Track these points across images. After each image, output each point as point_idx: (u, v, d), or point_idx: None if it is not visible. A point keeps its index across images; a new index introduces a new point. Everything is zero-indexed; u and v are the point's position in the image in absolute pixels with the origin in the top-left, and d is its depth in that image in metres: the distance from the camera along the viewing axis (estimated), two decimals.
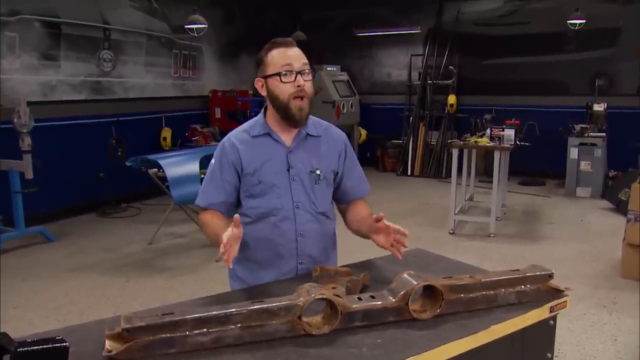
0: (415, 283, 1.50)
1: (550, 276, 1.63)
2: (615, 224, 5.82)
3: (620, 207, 6.33)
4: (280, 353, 1.33)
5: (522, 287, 1.61)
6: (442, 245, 5.12)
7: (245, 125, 2.04)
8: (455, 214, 5.84)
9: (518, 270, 1.64)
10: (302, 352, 1.33)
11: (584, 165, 7.37)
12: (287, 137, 1.96)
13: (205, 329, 1.34)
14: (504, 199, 6.73)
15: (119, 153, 6.80)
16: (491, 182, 5.81)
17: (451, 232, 5.76)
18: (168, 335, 1.31)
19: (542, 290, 1.63)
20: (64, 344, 1.18)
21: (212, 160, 2.01)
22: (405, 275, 1.56)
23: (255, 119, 2.02)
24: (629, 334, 3.46)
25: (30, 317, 3.78)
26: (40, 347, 1.16)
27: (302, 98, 1.87)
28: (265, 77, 1.90)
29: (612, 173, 7.57)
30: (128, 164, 5.46)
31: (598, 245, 5.25)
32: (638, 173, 6.32)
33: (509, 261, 4.77)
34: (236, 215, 1.67)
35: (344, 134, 2.10)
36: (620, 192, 6.44)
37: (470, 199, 6.88)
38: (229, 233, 1.62)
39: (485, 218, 5.86)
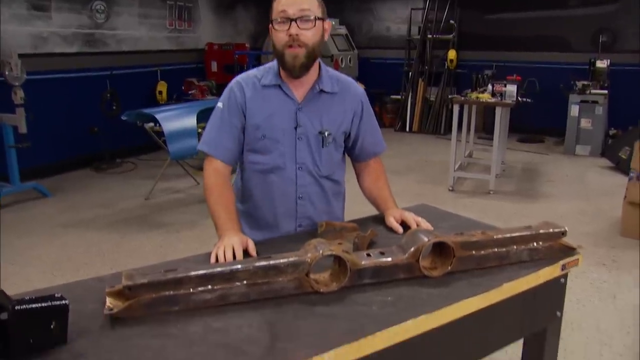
0: (427, 239, 1.45)
1: (563, 233, 1.59)
2: (615, 183, 5.79)
3: (620, 166, 6.29)
4: (287, 311, 1.29)
5: (535, 244, 1.56)
6: (442, 202, 5.08)
7: (257, 69, 1.90)
8: (454, 171, 5.79)
9: (530, 227, 1.59)
10: (310, 310, 1.29)
11: (585, 123, 7.28)
12: (299, 92, 1.84)
13: (209, 286, 1.29)
14: (503, 156, 6.68)
15: (114, 107, 6.67)
16: (490, 139, 5.74)
17: (450, 188, 5.72)
18: (171, 292, 1.26)
19: (555, 248, 1.59)
20: (64, 301, 1.13)
21: (219, 104, 1.87)
22: (416, 231, 1.51)
23: (269, 64, 1.88)
24: (628, 292, 3.46)
25: (27, 273, 3.75)
26: (39, 305, 1.11)
27: (299, 46, 1.72)
28: (270, 24, 1.80)
29: (612, 131, 7.49)
30: (123, 118, 5.34)
31: (598, 204, 5.23)
32: (639, 131, 6.27)
33: (508, 218, 4.75)
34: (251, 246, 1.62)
35: (362, 92, 1.96)
36: (621, 151, 6.38)
37: (470, 155, 6.83)
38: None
39: (485, 175, 5.82)
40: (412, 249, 1.44)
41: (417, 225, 1.76)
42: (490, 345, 1.51)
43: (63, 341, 1.12)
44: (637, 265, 3.81)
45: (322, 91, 1.85)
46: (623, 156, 6.24)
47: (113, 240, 4.41)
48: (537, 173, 6.50)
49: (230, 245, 1.56)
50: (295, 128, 1.83)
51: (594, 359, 2.74)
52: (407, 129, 9.23)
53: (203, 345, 1.13)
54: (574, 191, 5.72)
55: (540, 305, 1.56)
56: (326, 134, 1.85)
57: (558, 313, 1.62)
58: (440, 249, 1.49)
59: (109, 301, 1.25)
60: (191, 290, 1.28)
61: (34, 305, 1.10)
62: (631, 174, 4.26)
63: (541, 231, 1.57)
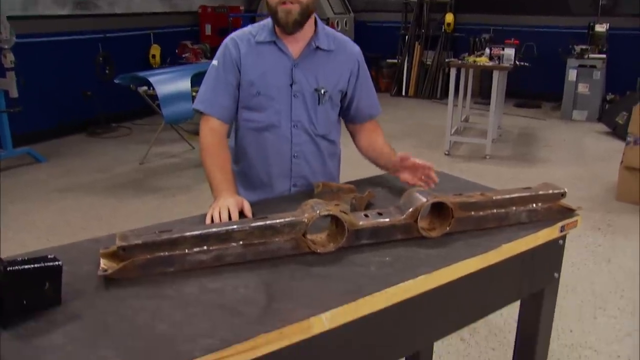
0: (425, 200, 1.43)
1: (563, 195, 1.57)
2: (612, 148, 5.78)
3: (617, 131, 6.27)
4: (283, 271, 1.27)
5: (534, 205, 1.55)
6: (438, 167, 4.97)
7: (251, 27, 1.86)
8: (450, 135, 5.76)
9: (530, 188, 1.57)
10: (307, 271, 1.28)
11: (582, 88, 7.22)
12: (294, 48, 1.80)
13: (205, 247, 1.27)
14: (500, 121, 6.64)
15: (107, 71, 6.56)
16: (486, 103, 5.69)
17: (446, 153, 5.70)
18: (166, 253, 1.24)
19: (554, 209, 1.57)
20: (57, 262, 1.11)
21: (214, 62, 1.83)
22: (414, 192, 1.49)
23: (264, 22, 1.84)
24: (623, 256, 3.48)
25: (22, 239, 3.74)
26: (32, 266, 1.09)
27: (292, 2, 1.67)
28: None
29: (609, 96, 7.43)
30: (117, 81, 5.26)
31: (594, 169, 5.22)
32: (636, 96, 6.23)
33: (505, 183, 4.74)
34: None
35: (359, 51, 1.92)
36: (618, 116, 6.34)
37: (466, 120, 6.79)
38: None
39: (481, 139, 5.79)
40: (411, 210, 1.42)
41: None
42: (488, 306, 1.51)
43: (57, 302, 1.11)
44: (632, 230, 3.82)
45: (318, 48, 1.81)
46: (620, 121, 6.21)
47: (110, 204, 4.39)
48: (533, 138, 6.48)
49: (225, 206, 1.54)
50: (291, 85, 1.79)
51: (588, 321, 2.77)
52: (403, 93, 9.15)
53: (199, 306, 1.12)
54: (570, 156, 5.71)
55: (538, 266, 1.56)
56: (322, 91, 1.81)
57: (556, 274, 1.62)
58: (438, 210, 1.48)
59: (103, 262, 1.23)
60: (186, 251, 1.26)
61: (26, 267, 1.08)
62: (629, 139, 4.24)
63: (540, 192, 1.55)
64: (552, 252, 1.59)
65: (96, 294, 1.16)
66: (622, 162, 4.30)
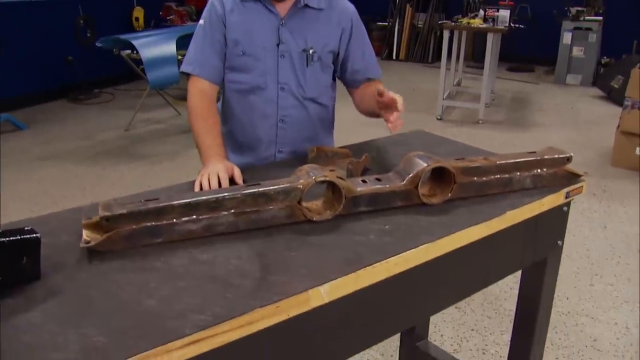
0: (426, 165, 1.36)
1: (569, 159, 1.51)
2: (606, 112, 5.73)
3: (612, 96, 6.21)
4: (278, 241, 1.20)
5: (539, 170, 1.48)
6: (430, 132, 4.99)
7: None
8: (443, 100, 5.67)
9: (534, 152, 1.50)
10: (302, 240, 1.21)
11: (577, 51, 7.13)
12: (281, 6, 1.70)
13: (194, 216, 1.19)
14: (493, 85, 6.55)
15: (88, 34, 6.36)
16: (479, 67, 5.60)
17: (439, 118, 5.62)
18: (153, 223, 1.16)
19: (559, 174, 1.51)
20: (35, 235, 1.03)
21: (200, 21, 1.75)
22: (414, 156, 1.41)
23: None
24: (618, 222, 3.45)
25: (3, 209, 3.63)
26: (7, 239, 1.00)
27: None
28: None
29: (604, 60, 7.35)
30: (99, 44, 5.08)
31: (588, 134, 5.18)
32: (633, 59, 6.15)
33: (498, 148, 4.65)
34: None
35: (353, 9, 1.82)
36: (613, 80, 6.27)
37: (458, 84, 6.70)
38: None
39: (474, 104, 5.72)
40: (411, 175, 1.35)
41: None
42: (490, 276, 1.46)
43: (36, 277, 1.03)
44: (628, 196, 3.79)
45: (306, 6, 1.71)
46: (615, 85, 6.14)
47: (93, 172, 4.29)
48: (527, 102, 6.41)
49: (215, 172, 1.46)
50: (278, 45, 1.71)
51: (584, 288, 2.75)
52: (394, 57, 9.03)
53: (188, 279, 1.05)
54: (564, 121, 5.66)
55: (542, 234, 1.50)
56: (311, 51, 1.72)
57: (559, 242, 1.57)
58: (439, 175, 1.41)
59: (85, 233, 1.15)
60: (174, 220, 1.18)
61: (1, 240, 1.00)
62: (626, 103, 4.17)
63: (546, 157, 1.48)
64: (556, 219, 1.54)
65: (78, 267, 1.08)
66: (618, 126, 4.25)
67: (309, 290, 1.02)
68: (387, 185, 1.34)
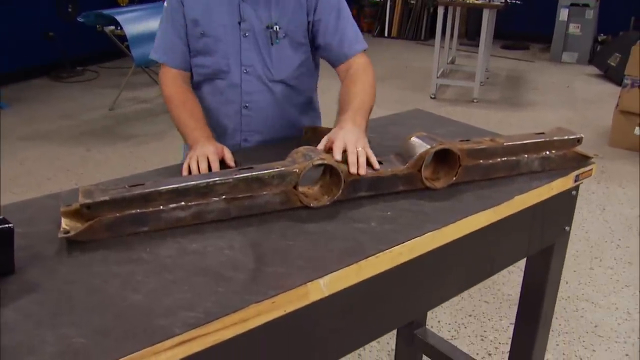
0: (429, 146, 1.28)
1: (579, 141, 1.43)
2: (603, 91, 5.67)
3: (609, 74, 6.12)
4: (273, 229, 1.12)
5: (547, 152, 1.40)
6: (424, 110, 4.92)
7: None
8: (437, 78, 5.57)
9: (543, 133, 1.43)
10: (299, 228, 1.13)
11: (573, 28, 7.03)
12: None
13: (183, 203, 1.11)
14: (487, 64, 6.46)
15: (70, 9, 6.13)
16: (472, 45, 5.49)
17: (432, 96, 5.53)
18: (138, 210, 1.08)
19: (568, 156, 1.44)
20: (7, 225, 0.94)
21: (165, 3, 1.60)
22: (416, 138, 1.33)
23: None
24: (617, 204, 3.40)
25: None
26: None
27: None
28: None
29: (601, 37, 7.25)
30: (80, 19, 4.91)
31: (585, 113, 5.11)
32: (630, 36, 6.05)
33: (494, 127, 4.58)
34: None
35: None
36: (610, 58, 6.17)
37: (452, 62, 6.60)
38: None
39: (468, 82, 5.63)
40: (414, 158, 1.27)
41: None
42: (496, 264, 1.39)
43: (10, 271, 0.95)
44: (627, 177, 3.74)
45: None
46: (612, 63, 6.05)
47: (77, 153, 4.17)
48: (522, 81, 6.33)
49: (204, 154, 1.36)
50: (239, 23, 1.55)
51: (584, 272, 2.70)
52: (386, 34, 8.89)
53: (177, 271, 0.97)
54: (560, 100, 5.58)
55: (549, 219, 1.43)
56: (275, 27, 1.56)
57: (567, 228, 1.50)
58: (443, 158, 1.33)
59: (64, 222, 1.06)
60: (161, 207, 1.09)
61: None
62: (626, 81, 4.08)
63: (555, 138, 1.40)
64: (565, 204, 1.47)
65: (57, 259, 1.00)
66: (617, 106, 4.17)
67: (308, 283, 0.95)
68: (389, 169, 1.26)
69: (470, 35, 8.11)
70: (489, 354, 2.18)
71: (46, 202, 1.21)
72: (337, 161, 1.21)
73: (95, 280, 0.94)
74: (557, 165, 1.41)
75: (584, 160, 1.45)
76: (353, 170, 1.21)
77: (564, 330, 2.31)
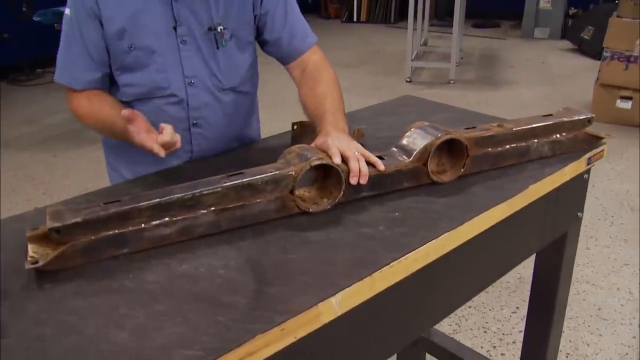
0: (434, 137, 1.16)
1: (590, 121, 1.34)
2: (578, 65, 5.64)
3: (583, 47, 6.09)
4: (271, 241, 1.00)
5: (557, 135, 1.31)
6: (401, 94, 4.81)
7: None
8: (411, 61, 5.47)
9: (551, 115, 1.33)
10: (300, 238, 1.01)
11: (544, 3, 6.99)
12: None
13: (167, 218, 0.98)
14: (460, 43, 6.38)
15: (23, 8, 5.84)
16: (443, 25, 5.40)
17: (408, 80, 5.43)
18: (116, 231, 0.94)
19: (578, 138, 1.34)
20: None
21: (66, 11, 1.33)
22: (418, 127, 1.22)
23: None
24: (606, 179, 3.35)
25: None
26: None
27: None
28: None
29: (572, 11, 7.22)
30: (36, 18, 4.67)
31: (562, 88, 5.07)
32: (601, 9, 6.02)
33: (474, 108, 4.53)
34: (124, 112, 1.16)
35: None
36: (583, 31, 6.14)
37: (425, 44, 6.50)
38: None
39: (444, 64, 5.54)
40: (419, 150, 1.16)
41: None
42: (510, 260, 1.29)
43: None
44: (613, 152, 3.69)
45: None
46: (586, 37, 6.02)
47: (43, 160, 3.96)
48: (496, 59, 6.27)
49: (160, 138, 1.15)
50: (175, 28, 1.32)
51: (580, 252, 2.64)
52: (355, 19, 8.75)
53: (168, 299, 0.84)
54: (536, 76, 5.53)
55: (562, 206, 1.34)
56: (220, 29, 1.35)
57: (579, 214, 1.41)
58: (448, 148, 1.21)
59: (31, 249, 0.92)
60: (143, 225, 0.96)
61: None
62: (605, 54, 4.03)
63: (565, 120, 1.30)
64: (577, 189, 1.38)
65: (24, 294, 0.86)
66: (597, 79, 4.12)
67: (319, 304, 0.83)
68: (392, 165, 1.15)
69: (439, 15, 8.03)
70: (494, 347, 2.10)
71: (9, 225, 1.06)
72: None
73: (70, 318, 0.80)
74: (567, 149, 1.32)
75: (594, 141, 1.35)
76: (354, 181, 1.09)
77: (567, 315, 2.23)
